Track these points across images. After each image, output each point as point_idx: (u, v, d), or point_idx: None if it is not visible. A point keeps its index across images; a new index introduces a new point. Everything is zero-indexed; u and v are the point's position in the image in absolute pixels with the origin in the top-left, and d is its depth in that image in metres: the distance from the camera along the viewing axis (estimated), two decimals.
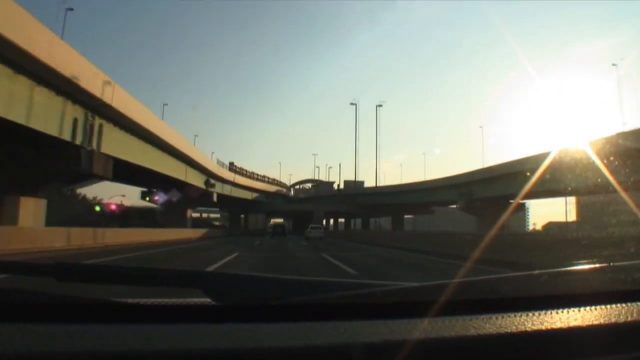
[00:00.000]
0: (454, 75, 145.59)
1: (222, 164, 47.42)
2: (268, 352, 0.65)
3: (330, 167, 74.59)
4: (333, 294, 0.85)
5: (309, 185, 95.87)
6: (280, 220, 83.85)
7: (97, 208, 37.89)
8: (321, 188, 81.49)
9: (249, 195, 61.20)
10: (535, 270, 0.97)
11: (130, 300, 0.84)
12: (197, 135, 62.58)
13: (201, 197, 42.88)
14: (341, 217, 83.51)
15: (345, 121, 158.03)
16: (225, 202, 56.91)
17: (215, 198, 44.79)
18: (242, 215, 78.07)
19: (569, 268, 0.98)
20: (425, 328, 0.74)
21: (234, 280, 0.90)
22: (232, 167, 53.29)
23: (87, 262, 1.64)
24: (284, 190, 79.12)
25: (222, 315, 0.79)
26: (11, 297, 0.80)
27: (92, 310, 0.80)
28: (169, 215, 42.70)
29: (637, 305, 0.85)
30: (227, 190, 52.28)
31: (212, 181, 44.51)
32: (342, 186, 74.50)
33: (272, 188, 71.02)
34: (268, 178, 69.50)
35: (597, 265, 1.01)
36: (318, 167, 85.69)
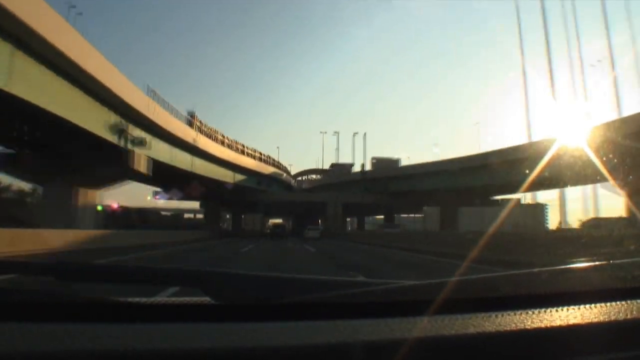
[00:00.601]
0: (453, 73, 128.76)
1: (161, 101, 24.79)
2: (268, 351, 0.65)
3: (355, 134, 52.56)
4: (333, 293, 0.85)
5: (315, 176, 73.80)
6: (279, 220, 74.76)
7: (99, 208, 30.50)
8: (336, 172, 59.27)
9: (228, 175, 38.80)
10: (535, 268, 0.96)
11: (130, 300, 0.83)
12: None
13: (108, 161, 20.52)
14: (366, 210, 60.92)
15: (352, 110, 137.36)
16: (183, 182, 34.51)
17: (144, 166, 22.26)
18: (228, 215, 56.12)
19: (568, 266, 0.97)
20: (425, 326, 0.74)
21: (233, 279, 0.89)
22: (191, 121, 30.73)
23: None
24: (284, 175, 56.63)
25: (222, 315, 0.79)
26: (11, 296, 0.79)
27: (92, 310, 0.79)
28: (52, 202, 20.63)
29: (637, 302, 0.85)
30: (184, 160, 29.83)
31: (139, 133, 22.21)
32: (368, 167, 52.02)
33: (268, 169, 48.62)
34: (261, 154, 47.12)
35: (597, 263, 0.98)
36: (337, 134, 60.98)
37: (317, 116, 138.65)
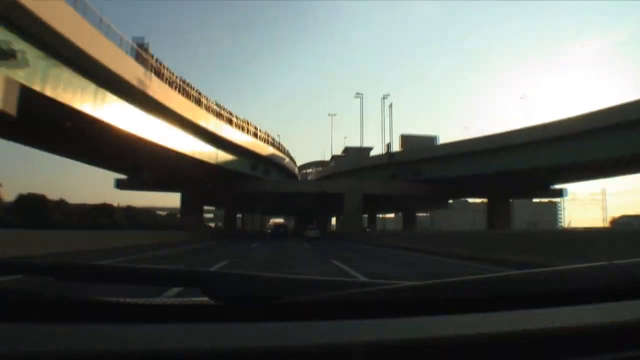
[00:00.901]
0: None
1: None
2: (268, 351, 0.66)
3: (385, 96, 40.20)
4: (333, 293, 0.86)
5: (321, 169, 62.77)
6: (280, 220, 73.78)
7: None
8: (350, 157, 48.01)
9: (208, 153, 27.58)
10: (535, 269, 0.98)
11: (130, 300, 0.84)
12: None
13: None
14: (384, 205, 49.45)
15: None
16: (134, 156, 23.32)
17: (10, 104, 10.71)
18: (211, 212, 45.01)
19: (568, 266, 0.96)
20: (425, 326, 0.76)
21: (233, 279, 0.89)
22: (141, 57, 19.27)
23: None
24: (286, 159, 45.30)
25: (221, 315, 0.80)
26: (11, 296, 0.80)
27: (92, 310, 0.80)
28: None
29: (637, 302, 0.87)
30: (128, 116, 18.56)
31: (5, 36, 10.86)
32: (396, 148, 40.55)
33: (265, 149, 37.36)
34: (256, 128, 35.81)
35: (597, 263, 0.97)
36: (361, 97, 46.16)
37: (323, 98, 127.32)
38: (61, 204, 51.79)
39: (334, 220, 78.20)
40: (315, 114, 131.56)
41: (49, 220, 36.95)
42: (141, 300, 0.84)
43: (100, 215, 48.41)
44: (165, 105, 20.58)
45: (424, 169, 36.80)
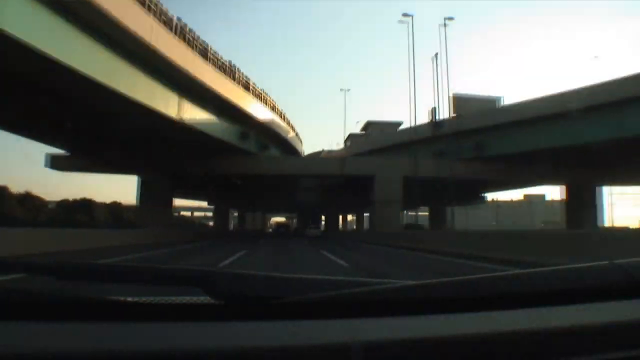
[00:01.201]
0: None
1: None
2: (268, 351, 0.67)
3: (446, 22, 28.05)
4: (333, 292, 0.86)
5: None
6: (282, 219, 73.82)
7: None
8: (373, 134, 37.02)
9: (161, 96, 16.41)
10: (536, 268, 0.98)
11: (130, 299, 0.85)
12: None
13: None
14: (417, 197, 38.29)
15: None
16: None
17: None
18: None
19: (569, 265, 0.97)
20: (425, 326, 0.77)
21: (233, 278, 0.90)
22: None
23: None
24: (290, 133, 34.04)
25: (222, 314, 0.81)
26: (11, 296, 0.80)
27: (92, 309, 0.81)
28: None
29: (637, 302, 0.87)
30: None
31: None
32: (444, 114, 29.27)
33: (261, 113, 26.12)
34: (248, 80, 24.58)
35: (597, 263, 0.98)
36: (411, 20, 33.00)
37: (332, 74, 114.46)
38: (27, 198, 43.80)
39: (338, 220, 68.77)
40: (323, 95, 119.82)
41: (13, 217, 31.04)
42: (142, 300, 0.83)
43: (77, 212, 42.47)
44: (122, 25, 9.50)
45: (488, 142, 25.80)
